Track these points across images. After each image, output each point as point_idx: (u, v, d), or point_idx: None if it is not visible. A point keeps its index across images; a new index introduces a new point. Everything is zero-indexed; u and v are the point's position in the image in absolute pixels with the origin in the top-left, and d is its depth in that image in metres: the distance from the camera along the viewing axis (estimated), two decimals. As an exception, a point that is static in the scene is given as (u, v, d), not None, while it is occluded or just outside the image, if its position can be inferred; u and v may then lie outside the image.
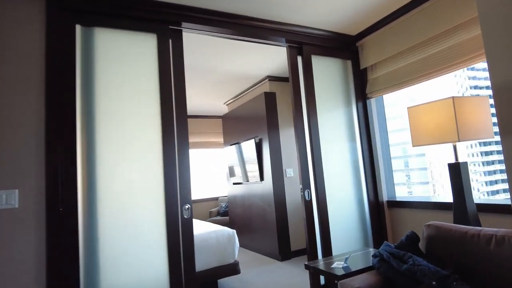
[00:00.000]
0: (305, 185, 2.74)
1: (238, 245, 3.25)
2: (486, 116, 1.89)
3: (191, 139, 6.63)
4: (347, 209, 2.91)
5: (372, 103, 3.18)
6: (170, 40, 2.37)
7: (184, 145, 2.28)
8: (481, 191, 4.85)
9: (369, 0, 2.51)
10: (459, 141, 1.79)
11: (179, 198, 2.20)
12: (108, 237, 1.99)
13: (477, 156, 5.19)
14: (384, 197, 3.03)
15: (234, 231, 3.28)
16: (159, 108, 2.25)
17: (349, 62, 3.19)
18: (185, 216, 2.20)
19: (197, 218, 6.42)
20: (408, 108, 2.07)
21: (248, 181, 4.97)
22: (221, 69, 4.07)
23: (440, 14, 2.39)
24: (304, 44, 2.91)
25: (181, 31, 2.43)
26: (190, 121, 6.65)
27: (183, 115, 2.32)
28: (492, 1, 1.81)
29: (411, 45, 2.64)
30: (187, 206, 2.21)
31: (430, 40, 2.51)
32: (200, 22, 2.46)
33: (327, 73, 3.06)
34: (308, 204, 2.71)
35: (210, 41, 3.20)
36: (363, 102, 3.15)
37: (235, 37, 2.70)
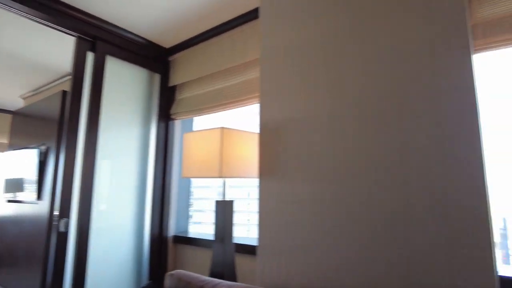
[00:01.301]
0: (64, 213, 2.12)
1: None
2: (255, 153, 1.81)
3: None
4: (120, 244, 2.43)
5: (177, 125, 2.90)
6: None
7: None
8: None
9: (180, 13, 2.26)
10: (221, 177, 1.62)
11: None
12: None
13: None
14: (171, 231, 2.71)
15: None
16: None
17: (157, 76, 2.85)
18: None
19: None
20: (184, 134, 1.82)
21: (25, 198, 3.85)
22: (15, 51, 3.06)
23: (238, 46, 2.35)
24: (100, 39, 2.40)
25: None
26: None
27: None
28: (273, 44, 1.79)
29: (214, 71, 2.51)
30: None
31: (230, 70, 2.44)
32: None
33: (127, 82, 2.62)
34: (61, 238, 2.09)
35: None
36: (166, 122, 2.83)
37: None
